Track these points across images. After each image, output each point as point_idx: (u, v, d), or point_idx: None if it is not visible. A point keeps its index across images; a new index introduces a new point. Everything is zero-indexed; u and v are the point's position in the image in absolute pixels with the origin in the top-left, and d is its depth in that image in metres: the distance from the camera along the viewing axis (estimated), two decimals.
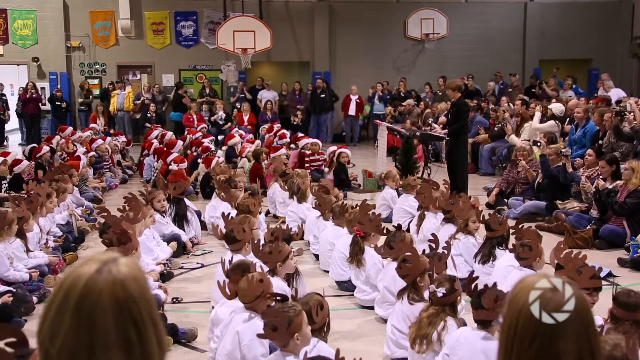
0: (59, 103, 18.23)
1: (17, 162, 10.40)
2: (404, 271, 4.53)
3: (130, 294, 1.37)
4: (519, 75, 19.78)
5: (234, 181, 8.40)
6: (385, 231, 5.70)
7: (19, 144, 17.94)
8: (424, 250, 4.95)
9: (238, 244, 5.42)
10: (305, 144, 12.59)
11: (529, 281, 1.73)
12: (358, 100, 18.79)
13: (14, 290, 5.61)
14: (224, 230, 5.84)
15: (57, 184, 8.30)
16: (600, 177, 8.19)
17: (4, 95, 18.55)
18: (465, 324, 4.17)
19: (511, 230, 5.90)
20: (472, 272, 4.13)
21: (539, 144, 10.75)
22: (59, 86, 18.70)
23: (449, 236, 6.18)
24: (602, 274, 6.30)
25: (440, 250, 4.93)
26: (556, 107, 12.55)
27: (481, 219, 6.35)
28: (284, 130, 14.15)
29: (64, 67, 19.06)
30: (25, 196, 7.25)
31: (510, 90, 18.26)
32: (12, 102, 19.00)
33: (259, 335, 3.51)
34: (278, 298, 3.61)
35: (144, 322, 1.37)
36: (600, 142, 10.11)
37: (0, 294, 5.39)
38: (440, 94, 17.82)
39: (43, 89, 18.69)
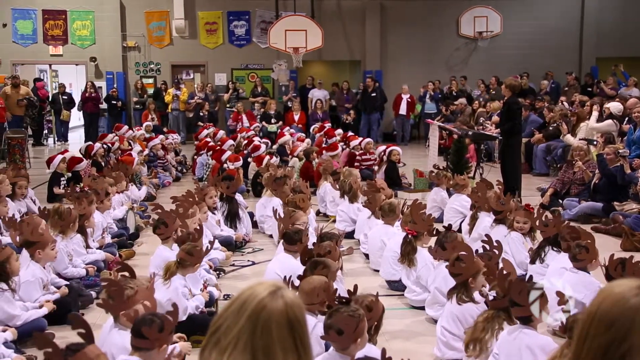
0: (115, 102, 18.67)
1: (77, 160, 10.68)
2: (457, 270, 4.45)
3: (297, 317, 1.74)
4: (576, 73, 19.31)
5: (283, 178, 8.46)
6: (435, 232, 5.64)
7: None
8: (477, 250, 4.88)
9: (295, 246, 5.44)
10: (355, 145, 12.58)
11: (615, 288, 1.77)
12: (409, 100, 18.67)
13: (72, 284, 5.76)
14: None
15: (112, 178, 8.58)
16: None
17: (65, 95, 19.04)
18: None
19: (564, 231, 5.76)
20: (502, 268, 4.05)
21: (595, 142, 10.49)
22: (115, 85, 19.14)
23: (502, 238, 6.08)
24: None
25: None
26: (614, 106, 12.16)
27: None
28: (337, 130, 14.22)
29: (120, 67, 19.50)
30: (78, 192, 7.43)
31: (566, 89, 17.88)
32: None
33: (322, 337, 3.49)
34: (343, 300, 3.56)
35: (307, 340, 1.75)
36: None
37: (58, 288, 5.55)
38: (494, 92, 17.56)
39: (100, 88, 19.15)
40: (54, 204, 6.54)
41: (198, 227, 5.84)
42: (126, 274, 4.13)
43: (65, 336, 2.67)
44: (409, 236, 5.82)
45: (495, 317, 3.97)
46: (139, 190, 9.95)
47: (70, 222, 6.17)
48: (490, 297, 4.02)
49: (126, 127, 14.98)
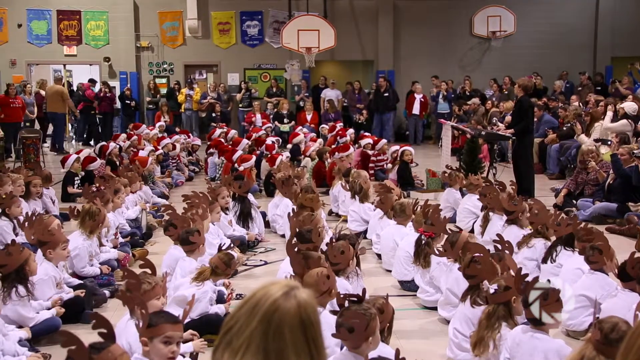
0: (128, 102, 18.75)
1: (91, 160, 10.74)
2: (473, 271, 4.41)
3: (310, 318, 1.71)
4: (589, 73, 19.16)
5: (292, 179, 8.47)
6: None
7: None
8: (488, 251, 4.86)
9: (307, 246, 5.43)
10: (366, 143, 12.56)
11: None
12: (422, 99, 18.61)
13: (85, 283, 5.81)
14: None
15: (125, 178, 8.61)
16: None
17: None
18: None
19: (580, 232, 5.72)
20: (521, 269, 4.00)
21: (609, 142, 10.41)
22: (128, 85, 19.22)
23: (515, 238, 6.06)
24: None
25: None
26: (629, 106, 12.06)
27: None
28: (349, 130, 14.20)
29: (133, 67, 19.59)
30: (94, 191, 7.49)
31: (580, 89, 17.76)
32: None
33: (334, 335, 3.49)
34: (354, 299, 3.56)
35: (320, 342, 1.73)
36: None
37: (74, 288, 5.59)
38: (507, 92, 17.47)
39: (114, 88, 19.23)
40: (83, 205, 6.56)
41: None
42: (147, 270, 4.19)
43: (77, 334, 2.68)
44: (424, 238, 5.79)
45: (494, 313, 3.95)
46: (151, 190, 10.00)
47: (99, 222, 6.26)
48: (491, 291, 4.01)
49: (144, 126, 15.06)
